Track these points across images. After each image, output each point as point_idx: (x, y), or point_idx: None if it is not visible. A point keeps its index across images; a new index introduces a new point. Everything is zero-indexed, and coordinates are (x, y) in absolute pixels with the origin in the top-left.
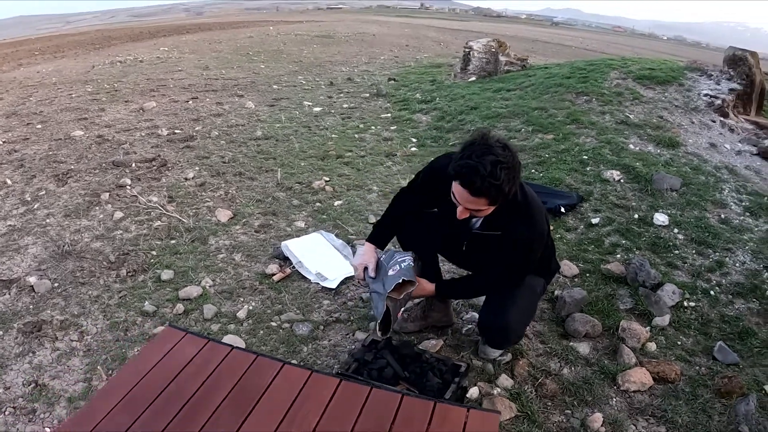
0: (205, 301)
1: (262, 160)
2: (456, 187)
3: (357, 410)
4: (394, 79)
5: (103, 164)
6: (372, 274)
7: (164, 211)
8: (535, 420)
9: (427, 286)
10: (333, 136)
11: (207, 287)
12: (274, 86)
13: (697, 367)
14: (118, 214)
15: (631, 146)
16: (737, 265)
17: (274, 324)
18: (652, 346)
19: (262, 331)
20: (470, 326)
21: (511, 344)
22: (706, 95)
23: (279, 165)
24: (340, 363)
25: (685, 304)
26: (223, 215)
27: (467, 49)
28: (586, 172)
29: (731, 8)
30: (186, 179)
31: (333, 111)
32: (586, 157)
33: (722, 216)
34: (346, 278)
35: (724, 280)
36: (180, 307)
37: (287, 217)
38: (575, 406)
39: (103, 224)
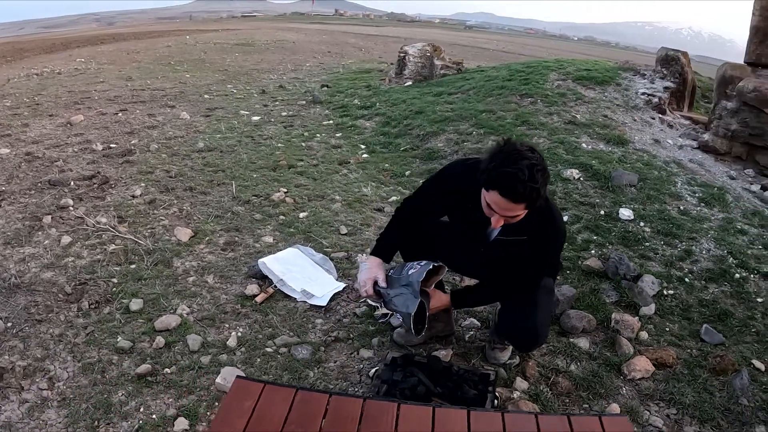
0: (186, 331)
1: (211, 173)
2: (492, 196)
3: None
4: (327, 86)
5: (38, 184)
6: (383, 284)
7: (117, 233)
8: None
9: (443, 297)
10: (279, 145)
11: (185, 315)
12: (205, 96)
13: (689, 350)
14: (66, 239)
15: (584, 145)
16: (704, 252)
17: (269, 350)
18: (644, 335)
19: (259, 359)
20: (472, 332)
21: (539, 346)
22: (643, 94)
23: (230, 177)
24: (364, 386)
25: (665, 292)
26: (183, 234)
27: (402, 54)
28: None
29: (638, 8)
30: (133, 197)
31: (272, 119)
32: None
33: (681, 207)
34: (336, 294)
35: (695, 268)
36: (160, 340)
37: (253, 233)
38: (591, 400)
39: (50, 251)
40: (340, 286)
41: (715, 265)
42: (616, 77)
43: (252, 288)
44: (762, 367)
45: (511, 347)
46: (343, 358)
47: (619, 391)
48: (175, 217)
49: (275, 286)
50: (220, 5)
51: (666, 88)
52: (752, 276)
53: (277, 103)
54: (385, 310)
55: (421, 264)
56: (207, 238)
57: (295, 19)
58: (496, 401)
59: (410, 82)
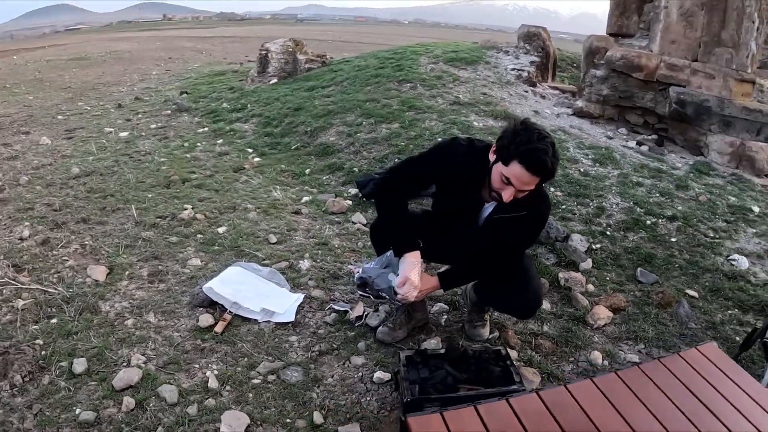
0: (153, 383)
1: (100, 199)
2: (516, 170)
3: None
4: (186, 92)
5: None
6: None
7: (19, 285)
8: (557, 375)
9: (432, 279)
10: (162, 159)
11: (143, 365)
12: (59, 117)
13: (633, 293)
14: None
15: (475, 123)
16: (614, 207)
17: (257, 381)
18: (591, 287)
19: (251, 394)
20: (445, 316)
21: (537, 311)
22: (513, 69)
23: (123, 201)
24: (374, 394)
25: (593, 247)
26: (98, 272)
27: (264, 52)
28: None
29: None
30: (21, 239)
31: (143, 133)
32: (440, 139)
33: (581, 170)
34: (299, 305)
35: (611, 221)
36: (129, 401)
37: (175, 258)
38: (574, 352)
39: None
40: (299, 297)
41: (627, 216)
42: (483, 56)
43: (205, 318)
44: (695, 294)
45: (488, 323)
46: (339, 370)
47: (592, 339)
48: (79, 255)
49: (230, 312)
50: (39, 21)
51: (532, 62)
52: (660, 220)
53: (139, 115)
54: (359, 313)
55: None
56: (127, 272)
57: (122, 28)
58: (517, 375)
59: (275, 80)
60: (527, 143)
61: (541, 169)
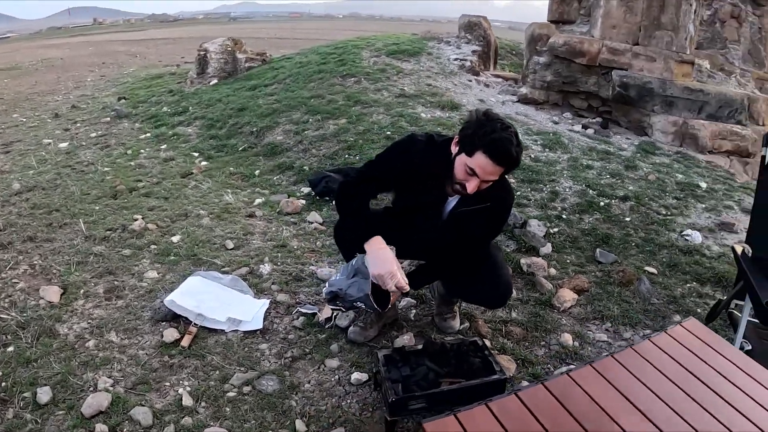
0: (125, 406)
1: (45, 215)
2: (480, 161)
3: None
4: (125, 98)
5: None
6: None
7: None
8: (531, 360)
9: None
10: (106, 169)
11: (111, 388)
12: None
13: (593, 273)
14: None
15: (423, 114)
16: (567, 190)
17: (232, 393)
18: (553, 271)
19: (228, 408)
20: (414, 311)
21: (508, 300)
22: (456, 59)
23: (70, 216)
24: (354, 396)
25: (551, 231)
26: (52, 293)
27: (203, 52)
28: None
29: None
30: None
31: (84, 143)
32: (390, 133)
33: (532, 156)
34: (266, 311)
35: (566, 205)
36: (101, 428)
37: (130, 271)
38: (545, 336)
39: None
40: (265, 302)
41: (581, 199)
42: (425, 48)
43: (170, 333)
44: (654, 270)
45: (458, 314)
46: (315, 375)
47: (561, 322)
48: (29, 276)
49: (195, 324)
50: None
51: (474, 51)
52: (613, 201)
53: (78, 124)
54: (327, 315)
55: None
56: (81, 290)
57: (53, 34)
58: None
59: (216, 81)
60: (491, 133)
61: (505, 158)
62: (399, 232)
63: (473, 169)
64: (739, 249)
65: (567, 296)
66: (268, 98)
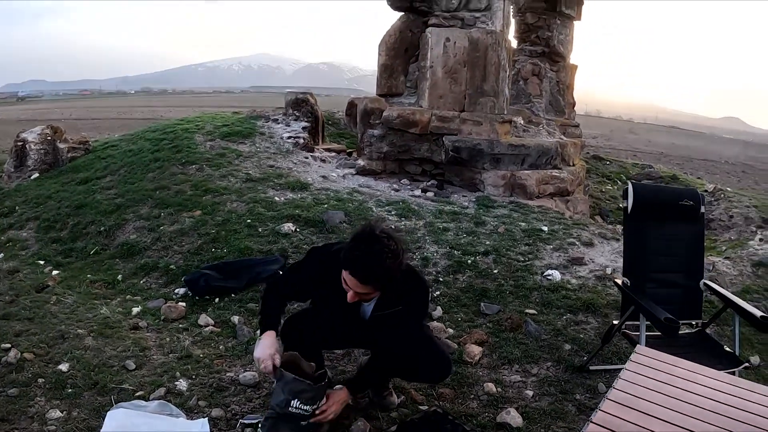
0: None
1: None
2: (347, 275)
3: None
4: None
5: None
6: (278, 362)
7: None
8: (471, 413)
9: (341, 395)
10: None
11: None
12: None
13: (485, 325)
14: None
15: (277, 198)
16: (435, 254)
17: None
18: (450, 331)
19: None
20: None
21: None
22: (289, 138)
23: None
24: None
25: (435, 295)
26: None
27: (20, 143)
28: (263, 234)
29: (190, 53)
30: None
31: None
32: (250, 221)
33: (393, 226)
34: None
35: (438, 268)
36: None
37: (27, 414)
38: (471, 390)
39: None
40: (203, 421)
41: (450, 260)
42: (256, 128)
43: None
44: (534, 311)
45: (392, 389)
46: None
47: (478, 374)
48: None
49: None
50: None
51: (304, 128)
52: (477, 257)
53: None
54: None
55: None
56: None
57: None
58: None
59: (37, 174)
60: (354, 249)
61: (366, 276)
62: (330, 329)
63: (345, 280)
64: (620, 281)
65: (474, 350)
66: (107, 192)
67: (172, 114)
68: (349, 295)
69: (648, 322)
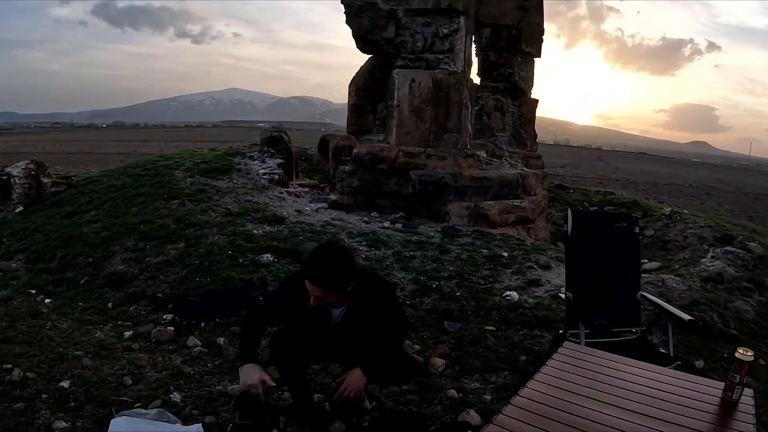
0: None
1: None
2: (307, 282)
3: None
4: None
5: None
6: (272, 383)
7: None
8: (436, 415)
9: (356, 373)
10: None
11: None
12: None
13: (449, 341)
14: None
15: (255, 231)
16: (403, 281)
17: None
18: (417, 347)
19: None
20: (326, 403)
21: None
22: (264, 174)
23: None
24: None
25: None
26: None
27: (5, 177)
28: (244, 264)
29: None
30: None
31: None
32: (231, 252)
33: (363, 256)
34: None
35: (406, 292)
36: None
37: (34, 426)
38: (435, 396)
39: None
40: (198, 427)
41: (416, 285)
42: (233, 164)
43: None
44: (493, 327)
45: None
46: None
47: (442, 383)
48: None
49: None
50: None
51: (279, 164)
52: (442, 282)
53: None
54: None
55: None
56: None
57: None
58: None
59: (21, 207)
60: (310, 260)
61: (317, 279)
62: (307, 341)
63: (307, 287)
64: (563, 296)
65: (438, 362)
66: (93, 226)
67: (146, 149)
68: (312, 300)
69: (587, 330)
